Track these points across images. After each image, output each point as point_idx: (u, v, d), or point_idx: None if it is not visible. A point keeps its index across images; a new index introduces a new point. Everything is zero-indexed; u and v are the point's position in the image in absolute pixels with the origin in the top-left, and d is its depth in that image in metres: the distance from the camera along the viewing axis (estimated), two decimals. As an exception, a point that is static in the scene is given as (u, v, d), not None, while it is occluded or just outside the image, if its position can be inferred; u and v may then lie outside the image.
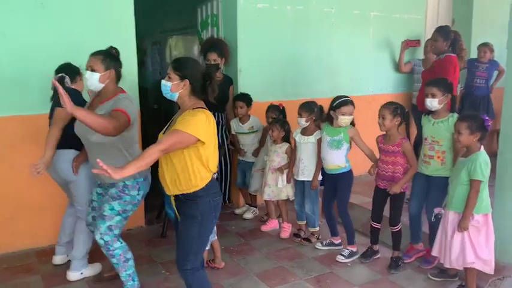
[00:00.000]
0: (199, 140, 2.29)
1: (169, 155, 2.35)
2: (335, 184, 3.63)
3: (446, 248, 3.00)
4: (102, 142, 2.69)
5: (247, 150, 4.41)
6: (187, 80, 2.36)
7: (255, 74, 4.63)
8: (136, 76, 4.02)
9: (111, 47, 2.84)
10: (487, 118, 2.88)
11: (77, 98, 2.92)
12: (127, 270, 2.88)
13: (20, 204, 3.63)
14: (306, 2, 4.82)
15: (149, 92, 7.26)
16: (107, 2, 3.77)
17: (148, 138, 3.25)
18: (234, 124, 4.41)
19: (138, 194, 2.83)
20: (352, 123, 3.58)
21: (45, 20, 3.54)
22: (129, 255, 2.89)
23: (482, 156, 2.88)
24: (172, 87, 2.37)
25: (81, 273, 3.27)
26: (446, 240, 3.00)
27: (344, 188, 3.62)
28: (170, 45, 8.39)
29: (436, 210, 3.23)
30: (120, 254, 2.82)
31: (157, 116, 6.55)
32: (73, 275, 3.25)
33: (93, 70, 2.67)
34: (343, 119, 3.47)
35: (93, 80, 2.68)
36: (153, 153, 2.19)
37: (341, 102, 3.49)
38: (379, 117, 3.31)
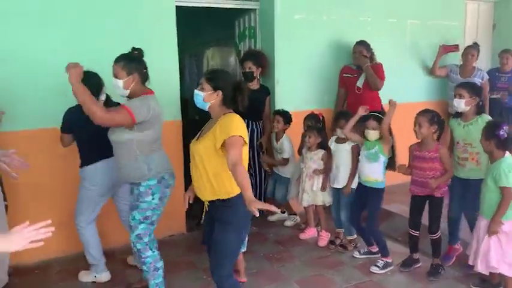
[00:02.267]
0: (245, 141, 2.38)
1: (203, 160, 2.43)
2: (365, 197, 3.65)
3: (477, 253, 3.03)
4: (118, 141, 2.77)
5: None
6: (219, 91, 2.47)
7: (292, 84, 4.71)
8: (178, 89, 4.19)
9: (133, 49, 2.86)
10: (504, 126, 2.91)
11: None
12: (155, 279, 2.95)
13: (70, 211, 3.83)
14: (341, 12, 4.87)
15: (189, 104, 7.43)
16: (150, 20, 3.95)
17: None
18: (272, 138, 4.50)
19: (153, 199, 2.82)
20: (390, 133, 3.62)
21: (89, 38, 3.72)
22: (160, 264, 2.95)
23: (505, 162, 2.90)
24: (205, 97, 2.48)
25: (95, 277, 3.42)
26: (478, 245, 3.04)
27: (375, 203, 3.64)
28: (207, 56, 8.60)
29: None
30: (151, 262, 2.89)
31: (197, 127, 6.69)
32: (84, 277, 3.45)
33: (116, 77, 2.74)
34: (369, 133, 3.55)
35: (118, 87, 2.76)
36: (243, 171, 2.24)
37: (364, 118, 3.60)
38: (415, 125, 3.34)
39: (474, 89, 3.36)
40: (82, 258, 3.81)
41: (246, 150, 2.45)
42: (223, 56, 7.84)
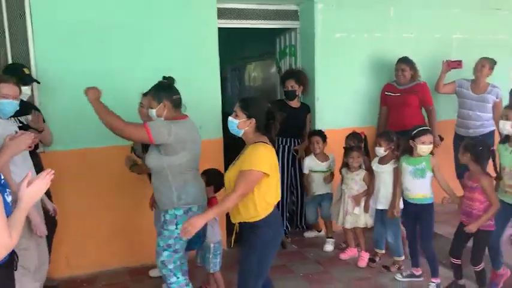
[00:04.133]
0: (265, 173, 2.45)
1: (231, 186, 2.50)
2: (417, 215, 3.57)
3: None
4: (151, 165, 2.82)
5: (320, 185, 4.41)
6: (253, 119, 2.53)
7: (333, 101, 4.70)
8: (220, 108, 4.28)
9: (164, 77, 2.91)
10: None
11: None
12: None
13: (118, 226, 3.99)
14: (383, 29, 4.82)
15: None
16: (194, 41, 4.08)
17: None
18: (309, 161, 4.41)
19: (176, 228, 2.78)
20: (432, 153, 3.53)
21: (143, 59, 3.91)
22: None
23: None
24: (240, 125, 2.55)
25: None
26: None
27: (427, 220, 3.54)
28: (249, 70, 8.73)
29: None
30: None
31: (240, 144, 6.78)
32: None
33: (150, 108, 2.84)
34: (422, 148, 3.44)
35: (153, 116, 2.82)
36: (232, 200, 2.41)
37: (420, 132, 3.47)
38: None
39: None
40: (127, 273, 3.96)
41: (270, 181, 2.52)
42: (264, 70, 7.93)
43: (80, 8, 3.72)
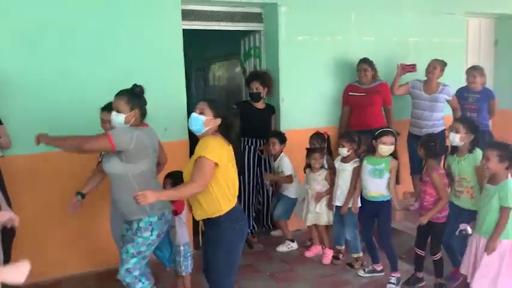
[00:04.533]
0: (215, 163, 2.46)
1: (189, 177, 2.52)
2: (375, 212, 3.72)
3: (475, 270, 3.12)
4: (112, 172, 2.75)
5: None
6: (219, 119, 2.56)
7: (297, 102, 4.80)
8: (185, 106, 4.27)
9: (136, 85, 2.83)
10: None
11: None
12: None
13: (81, 230, 3.92)
14: (345, 33, 4.96)
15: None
16: (159, 42, 4.06)
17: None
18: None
19: (151, 235, 2.78)
20: (395, 157, 3.68)
21: (107, 58, 3.87)
22: None
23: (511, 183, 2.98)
24: (206, 122, 2.55)
25: None
26: (476, 262, 3.13)
27: (385, 217, 3.70)
28: (214, 70, 8.74)
29: (462, 226, 3.38)
30: None
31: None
32: None
33: (118, 111, 2.74)
34: (383, 148, 3.59)
35: (118, 121, 2.75)
36: (189, 188, 2.45)
37: (382, 132, 3.62)
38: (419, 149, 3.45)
39: (471, 127, 3.41)
40: (93, 277, 3.90)
41: (227, 174, 2.55)
42: (229, 70, 7.97)
43: (42, 9, 3.63)
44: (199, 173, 2.44)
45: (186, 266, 3.32)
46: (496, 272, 3.02)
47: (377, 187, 3.65)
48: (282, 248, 4.43)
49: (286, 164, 4.34)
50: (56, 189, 3.78)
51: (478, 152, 3.37)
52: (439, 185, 3.33)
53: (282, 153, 4.38)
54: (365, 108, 4.73)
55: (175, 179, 3.25)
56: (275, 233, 4.80)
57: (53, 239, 3.84)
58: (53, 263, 3.83)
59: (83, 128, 3.27)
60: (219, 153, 2.49)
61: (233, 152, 2.64)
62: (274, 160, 4.45)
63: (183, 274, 3.32)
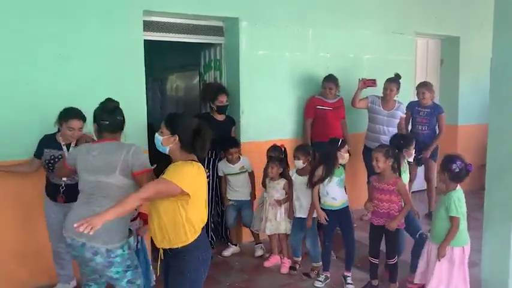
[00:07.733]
0: (183, 191, 2.30)
1: (157, 207, 2.38)
2: (338, 219, 3.89)
3: (429, 275, 3.32)
4: (116, 185, 2.67)
5: (239, 190, 4.53)
6: (176, 136, 2.44)
7: (257, 114, 4.89)
8: (145, 117, 4.25)
9: (109, 99, 2.87)
10: (458, 161, 3.23)
11: None
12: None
13: (35, 243, 3.78)
14: (303, 49, 5.14)
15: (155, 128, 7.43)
16: (120, 52, 4.04)
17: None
18: (222, 166, 4.51)
19: (124, 250, 2.68)
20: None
21: (69, 65, 3.81)
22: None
23: (456, 194, 3.24)
24: (164, 141, 2.46)
25: None
26: (428, 268, 3.34)
27: (349, 220, 3.96)
28: (171, 82, 8.68)
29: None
30: None
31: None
32: None
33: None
34: (345, 156, 3.88)
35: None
36: (133, 201, 2.24)
37: (344, 142, 3.91)
38: (372, 160, 3.59)
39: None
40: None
41: (197, 203, 2.42)
42: (187, 81, 7.95)
43: (3, 17, 3.55)
44: (154, 188, 2.29)
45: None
46: (448, 278, 3.23)
47: (342, 195, 3.91)
48: (259, 252, 4.58)
49: (246, 160, 4.52)
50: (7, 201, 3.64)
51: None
52: (405, 192, 3.60)
53: (241, 157, 4.50)
54: (330, 121, 5.03)
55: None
56: (226, 252, 4.62)
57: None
58: None
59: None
60: (193, 183, 2.36)
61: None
62: (230, 163, 4.46)
63: None
